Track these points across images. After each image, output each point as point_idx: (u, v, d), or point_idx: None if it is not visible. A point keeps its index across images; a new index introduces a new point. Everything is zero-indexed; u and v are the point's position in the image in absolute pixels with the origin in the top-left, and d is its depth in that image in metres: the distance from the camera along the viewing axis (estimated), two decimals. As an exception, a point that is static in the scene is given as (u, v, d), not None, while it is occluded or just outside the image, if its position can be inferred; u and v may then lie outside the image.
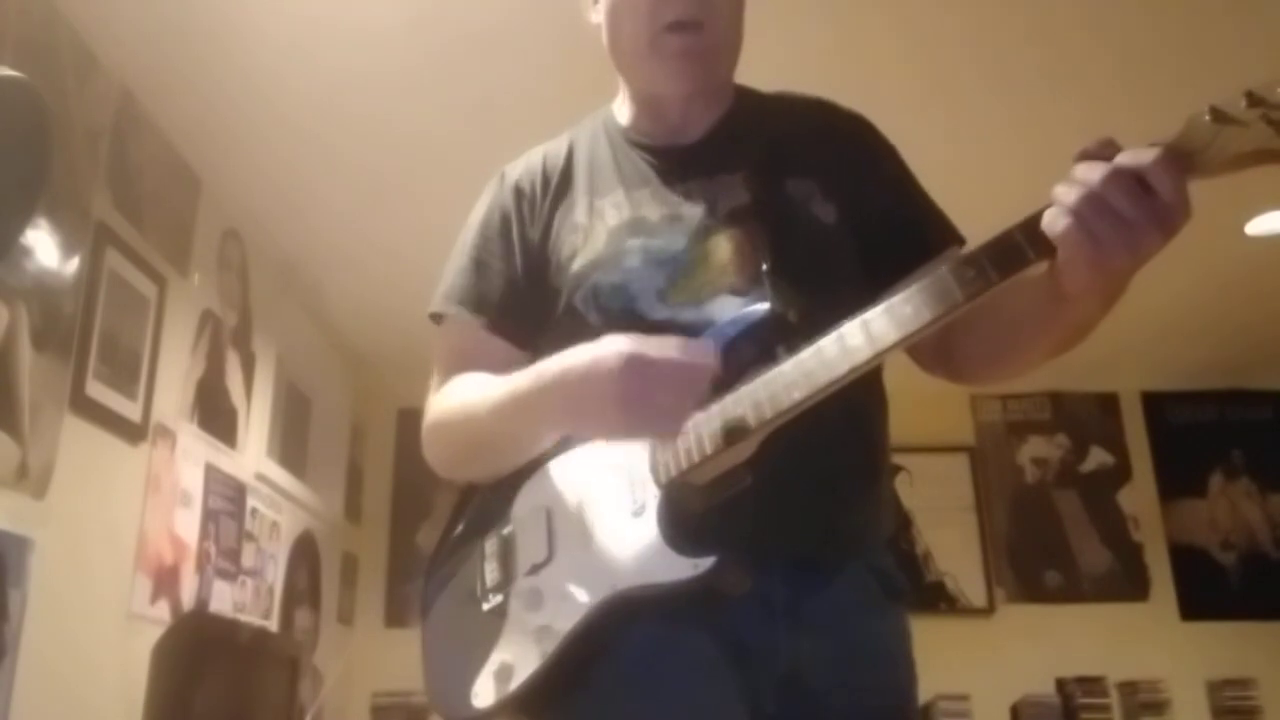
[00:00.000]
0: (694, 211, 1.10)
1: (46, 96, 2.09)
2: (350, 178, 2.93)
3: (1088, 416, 4.70)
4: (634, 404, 0.90)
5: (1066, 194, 0.79)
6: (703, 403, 0.93)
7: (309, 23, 2.31)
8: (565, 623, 0.96)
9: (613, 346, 0.92)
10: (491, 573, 1.06)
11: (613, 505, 0.99)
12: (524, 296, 1.15)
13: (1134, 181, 0.77)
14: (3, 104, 1.95)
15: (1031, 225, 0.82)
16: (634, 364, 0.90)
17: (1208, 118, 0.76)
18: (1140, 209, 0.77)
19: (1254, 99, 0.75)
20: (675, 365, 0.90)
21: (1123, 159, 0.78)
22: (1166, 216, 0.77)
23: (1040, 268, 0.84)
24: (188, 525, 2.70)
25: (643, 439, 0.97)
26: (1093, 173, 0.79)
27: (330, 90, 2.55)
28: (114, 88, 2.41)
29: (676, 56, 1.11)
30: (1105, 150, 0.80)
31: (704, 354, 0.92)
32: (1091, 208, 0.78)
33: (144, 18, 2.25)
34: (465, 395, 1.11)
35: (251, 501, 3.15)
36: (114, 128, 2.41)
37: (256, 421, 3.25)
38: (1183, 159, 0.77)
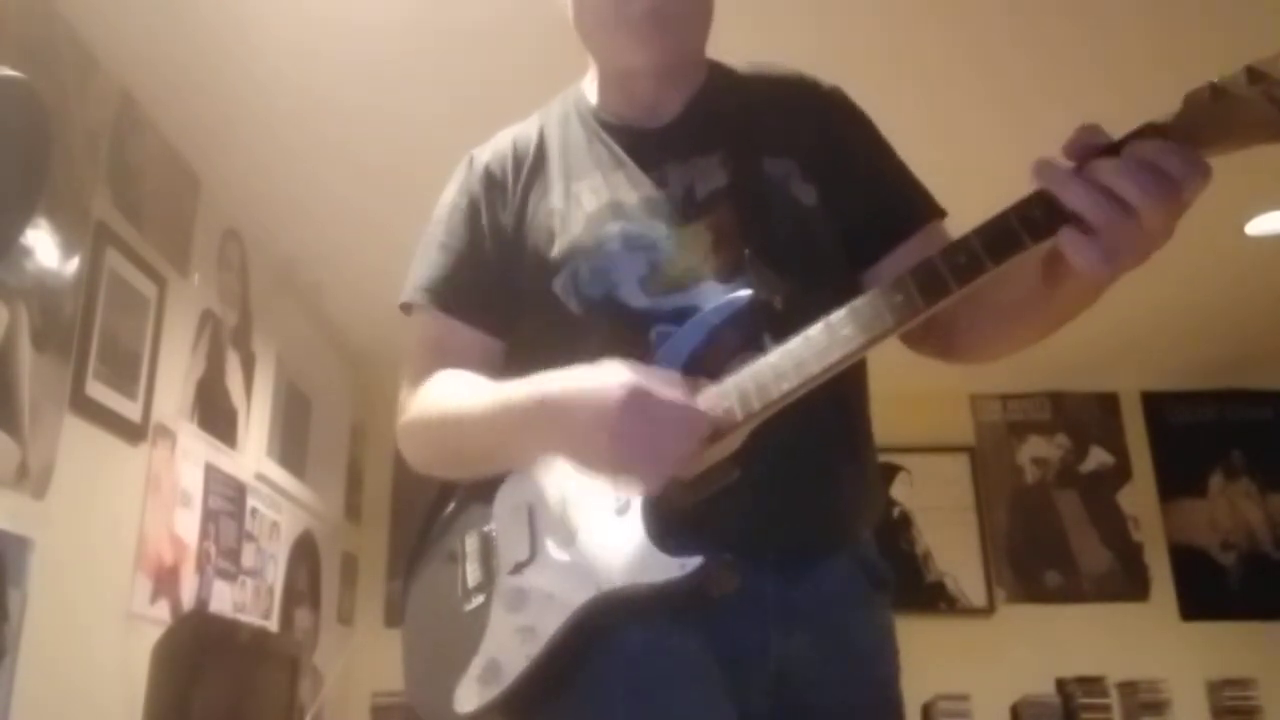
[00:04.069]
0: (672, 195, 1.07)
1: (46, 96, 2.09)
2: (350, 177, 2.93)
3: (1088, 416, 4.70)
4: (626, 440, 0.87)
5: (1089, 205, 0.75)
6: (696, 455, 0.89)
7: (309, 22, 2.31)
8: (550, 624, 0.94)
9: (618, 376, 0.89)
10: (473, 572, 1.03)
11: (596, 502, 0.96)
12: (496, 284, 1.12)
13: (1161, 178, 0.73)
14: (3, 104, 1.95)
15: (1025, 209, 0.80)
16: (637, 399, 0.87)
17: (1208, 95, 0.74)
18: (1169, 210, 0.74)
19: (1256, 75, 0.72)
20: (678, 410, 0.87)
21: (1143, 153, 0.74)
22: (1179, 205, 0.74)
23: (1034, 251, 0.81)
24: (188, 525, 2.70)
25: (625, 481, 0.93)
26: (1116, 180, 0.74)
27: (331, 90, 2.55)
28: (114, 88, 2.41)
29: (642, 20, 1.06)
30: (1092, 138, 0.77)
31: (705, 405, 0.89)
32: (1115, 218, 0.74)
33: (144, 18, 2.25)
34: (453, 397, 1.07)
35: (251, 501, 3.15)
36: (114, 128, 2.41)
37: (256, 421, 3.24)
38: (1188, 137, 0.74)
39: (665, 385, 0.89)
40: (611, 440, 0.87)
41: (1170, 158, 0.74)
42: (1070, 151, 0.78)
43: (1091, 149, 0.77)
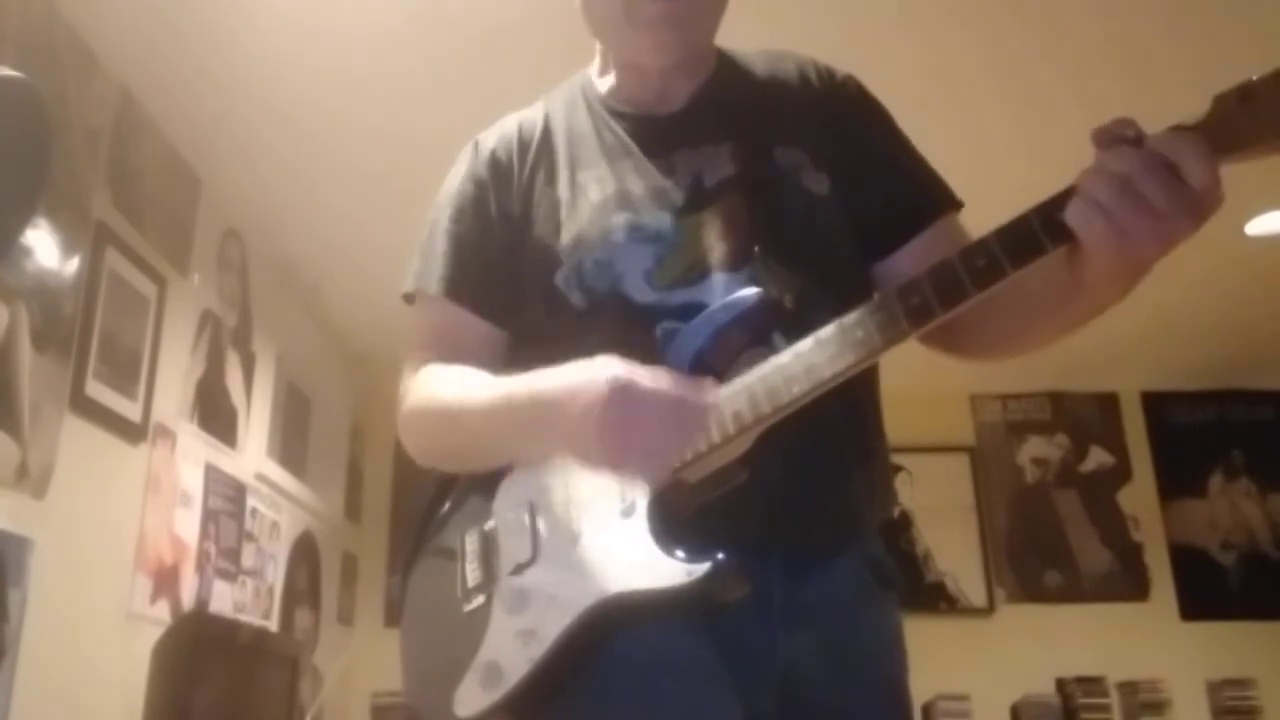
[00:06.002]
0: (680, 185, 1.05)
1: (46, 96, 2.09)
2: (350, 177, 2.93)
3: (1088, 416, 4.70)
4: (613, 435, 0.85)
5: (1097, 187, 0.75)
6: (694, 445, 0.88)
7: (309, 23, 2.31)
8: (552, 628, 0.91)
9: (604, 370, 0.87)
10: (473, 572, 1.00)
11: (600, 503, 0.93)
12: (500, 273, 1.09)
13: (1168, 171, 0.73)
14: (3, 104, 1.95)
15: (1048, 212, 0.78)
16: (621, 392, 0.85)
17: (1236, 97, 0.73)
18: (1174, 199, 0.73)
19: None
20: (666, 400, 0.85)
21: (1157, 146, 0.74)
22: (1199, 204, 0.74)
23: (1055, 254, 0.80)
24: (188, 525, 2.70)
25: (619, 475, 0.91)
26: (1124, 163, 0.74)
27: (331, 90, 2.55)
28: (114, 88, 2.41)
29: (654, 24, 1.04)
30: (1123, 130, 0.76)
31: (701, 392, 0.86)
32: (1125, 202, 0.74)
33: (144, 18, 2.25)
34: (451, 392, 1.05)
35: (251, 501, 3.15)
36: (114, 128, 2.41)
37: (256, 421, 3.24)
38: (1215, 142, 0.73)
39: (654, 377, 0.87)
40: (600, 435, 0.85)
41: (1195, 161, 0.73)
42: (1099, 140, 0.77)
43: (1120, 140, 0.76)
